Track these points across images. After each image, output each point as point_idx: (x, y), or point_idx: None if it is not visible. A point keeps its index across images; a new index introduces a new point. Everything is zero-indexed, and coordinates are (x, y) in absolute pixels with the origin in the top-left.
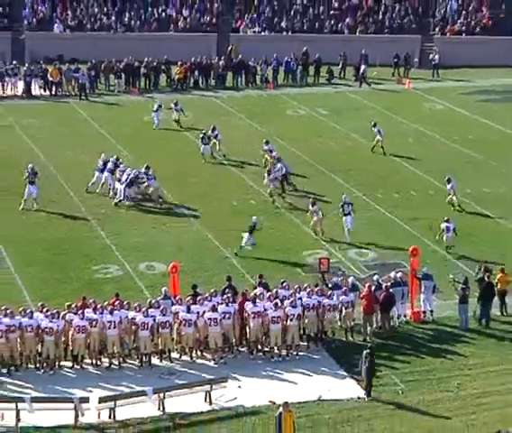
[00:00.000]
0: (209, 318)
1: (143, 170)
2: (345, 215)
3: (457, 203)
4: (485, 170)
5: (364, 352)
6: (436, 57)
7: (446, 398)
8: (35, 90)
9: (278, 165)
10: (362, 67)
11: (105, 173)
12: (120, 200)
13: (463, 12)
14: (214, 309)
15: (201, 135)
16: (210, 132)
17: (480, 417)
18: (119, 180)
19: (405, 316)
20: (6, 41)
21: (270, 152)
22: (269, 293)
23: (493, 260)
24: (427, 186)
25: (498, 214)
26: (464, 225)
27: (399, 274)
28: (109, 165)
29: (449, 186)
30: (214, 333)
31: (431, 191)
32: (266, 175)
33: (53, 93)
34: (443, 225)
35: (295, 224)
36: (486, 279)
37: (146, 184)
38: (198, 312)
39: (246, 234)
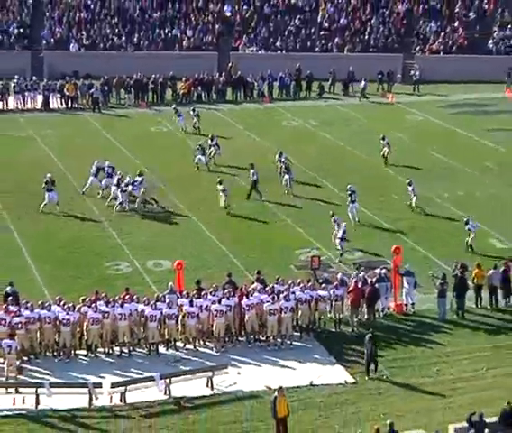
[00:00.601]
0: (215, 310)
1: (138, 177)
2: (352, 202)
3: (414, 204)
4: (460, 176)
5: (366, 336)
6: (417, 73)
7: (427, 383)
8: (53, 104)
9: (251, 171)
10: (363, 83)
11: (105, 179)
12: (120, 203)
13: (441, 33)
14: (219, 302)
15: (197, 146)
16: (209, 141)
17: (456, 400)
18: (117, 185)
19: (388, 308)
20: (27, 59)
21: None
22: (268, 288)
23: (467, 257)
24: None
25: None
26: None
27: (383, 271)
28: (107, 171)
29: (410, 188)
30: (220, 323)
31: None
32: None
33: (69, 106)
34: (469, 226)
35: (290, 225)
36: (459, 274)
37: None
38: (201, 305)
39: (337, 241)
